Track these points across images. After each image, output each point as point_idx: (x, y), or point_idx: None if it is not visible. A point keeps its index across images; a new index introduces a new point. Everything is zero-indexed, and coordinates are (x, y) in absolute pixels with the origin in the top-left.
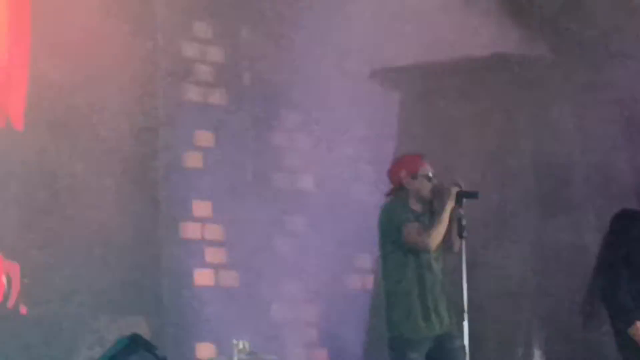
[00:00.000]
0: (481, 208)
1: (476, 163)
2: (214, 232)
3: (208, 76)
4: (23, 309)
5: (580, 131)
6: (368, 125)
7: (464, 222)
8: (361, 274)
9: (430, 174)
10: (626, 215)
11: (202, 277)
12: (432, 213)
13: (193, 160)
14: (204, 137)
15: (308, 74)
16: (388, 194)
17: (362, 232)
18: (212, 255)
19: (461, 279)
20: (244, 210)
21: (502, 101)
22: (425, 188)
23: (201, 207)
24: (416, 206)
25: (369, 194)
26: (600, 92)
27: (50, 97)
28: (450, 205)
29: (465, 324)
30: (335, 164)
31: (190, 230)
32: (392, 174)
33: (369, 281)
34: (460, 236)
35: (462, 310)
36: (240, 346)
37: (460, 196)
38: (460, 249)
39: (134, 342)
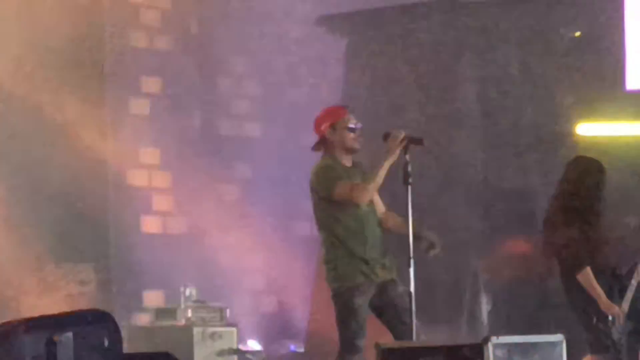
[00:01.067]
0: (427, 154)
1: (422, 108)
2: (161, 179)
3: (155, 22)
4: None
5: (527, 75)
6: (316, 71)
7: (409, 169)
8: (309, 221)
9: (353, 125)
10: (582, 163)
11: (149, 224)
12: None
13: (140, 106)
14: (151, 84)
15: (257, 19)
16: (314, 148)
17: (308, 178)
18: (159, 202)
19: (407, 225)
20: (191, 158)
21: (448, 45)
22: (348, 138)
23: (148, 155)
24: (346, 159)
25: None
26: (547, 36)
27: None
28: (393, 153)
29: (412, 270)
30: (283, 110)
31: (137, 178)
32: (315, 126)
33: (315, 227)
34: (406, 183)
35: (409, 257)
36: (188, 293)
37: (406, 142)
38: (407, 196)
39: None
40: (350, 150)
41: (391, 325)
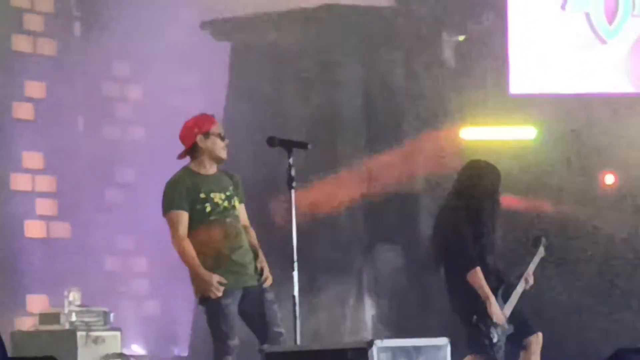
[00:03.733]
0: (312, 159)
1: (305, 112)
2: (45, 183)
3: (38, 26)
4: None
5: (411, 80)
6: (200, 76)
7: (293, 173)
8: None
9: (222, 133)
10: (476, 166)
11: (33, 228)
12: None
13: (23, 111)
14: (35, 87)
15: (140, 23)
16: (180, 156)
17: None
18: (43, 207)
19: (291, 230)
20: (76, 162)
21: (334, 52)
22: (219, 146)
23: (32, 159)
24: (210, 167)
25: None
26: (431, 40)
27: None
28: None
29: (295, 273)
30: (167, 114)
31: (21, 182)
32: (185, 133)
33: None
34: (290, 187)
35: (292, 261)
36: (71, 297)
37: (289, 146)
38: (290, 200)
39: None
40: (218, 159)
41: (260, 332)
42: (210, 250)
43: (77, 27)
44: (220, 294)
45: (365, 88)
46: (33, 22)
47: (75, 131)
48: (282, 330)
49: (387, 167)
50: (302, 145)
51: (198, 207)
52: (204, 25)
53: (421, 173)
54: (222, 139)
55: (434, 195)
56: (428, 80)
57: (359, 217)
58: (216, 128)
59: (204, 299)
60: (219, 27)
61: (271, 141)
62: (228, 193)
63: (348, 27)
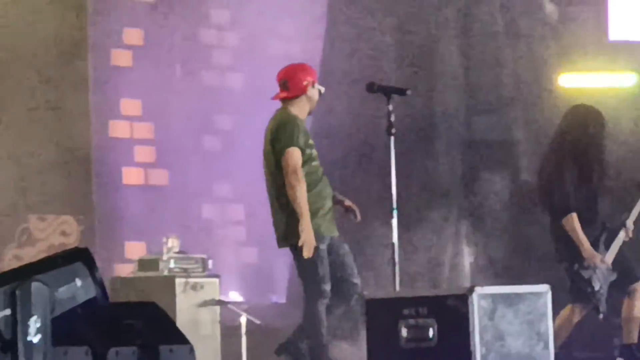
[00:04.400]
0: (410, 105)
1: (404, 62)
2: (143, 130)
3: None
4: None
5: (510, 26)
6: (297, 24)
7: (392, 119)
8: None
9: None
10: (581, 111)
11: (132, 175)
12: None
13: (122, 58)
14: (133, 35)
15: None
16: (281, 97)
17: None
18: (142, 154)
19: (390, 177)
20: (173, 109)
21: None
22: (316, 99)
23: (130, 106)
24: (304, 116)
25: None
26: None
27: None
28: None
29: (394, 220)
30: (265, 61)
31: (120, 129)
32: (297, 80)
33: None
34: (389, 134)
35: (392, 208)
36: (170, 244)
37: (389, 92)
38: (390, 145)
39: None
40: (311, 111)
41: (337, 281)
42: (312, 196)
43: None
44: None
45: (463, 37)
46: None
47: (173, 78)
48: (359, 282)
49: (487, 114)
50: (401, 92)
51: (308, 151)
52: None
53: (520, 120)
54: (320, 93)
55: (535, 141)
56: (527, 28)
57: (457, 164)
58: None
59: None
60: None
61: (370, 87)
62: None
63: None
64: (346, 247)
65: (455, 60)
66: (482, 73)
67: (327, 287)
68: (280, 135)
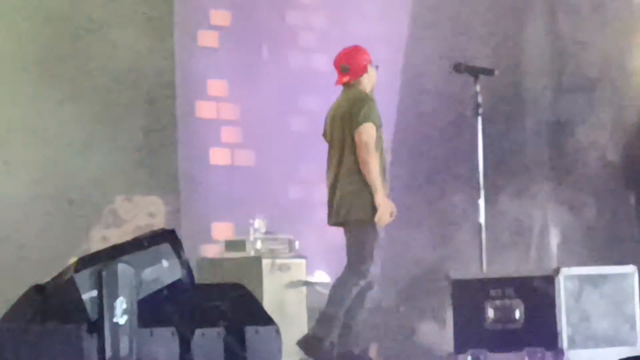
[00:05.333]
0: (497, 85)
1: (490, 43)
2: (229, 111)
3: None
4: None
5: (597, 12)
6: (382, 4)
7: (480, 100)
8: None
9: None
10: None
11: (218, 156)
12: None
13: (208, 39)
14: (220, 16)
15: None
16: (345, 81)
17: None
18: (228, 134)
19: (476, 155)
20: (259, 90)
21: None
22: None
23: (216, 86)
24: None
25: (385, 73)
26: None
27: None
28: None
29: (482, 201)
30: (350, 43)
31: (206, 110)
32: (358, 61)
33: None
34: (477, 114)
35: (479, 188)
36: (257, 225)
37: (476, 72)
38: (477, 126)
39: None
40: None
41: None
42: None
43: None
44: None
45: (550, 19)
46: None
47: (259, 59)
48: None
49: (573, 94)
50: (489, 72)
51: (379, 132)
52: None
53: (608, 100)
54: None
55: (622, 123)
56: (613, 7)
57: (543, 144)
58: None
59: (362, 221)
60: None
61: (458, 67)
62: None
63: None
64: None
65: (542, 40)
66: (569, 53)
67: (371, 268)
68: (355, 111)
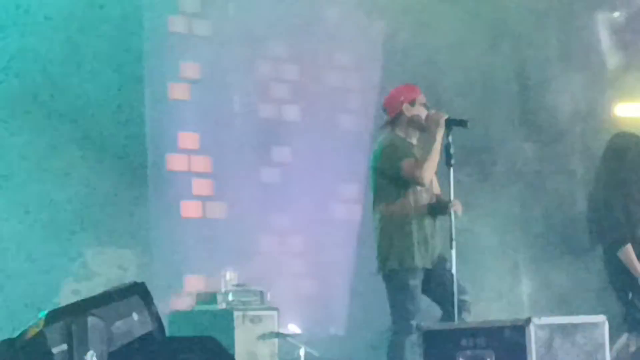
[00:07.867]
0: (467, 136)
1: (461, 90)
2: (200, 163)
3: (193, 7)
4: None
5: (566, 60)
6: (354, 55)
7: (452, 151)
8: (347, 203)
9: (427, 103)
10: (621, 138)
11: (190, 209)
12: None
13: (179, 91)
14: (190, 68)
15: (292, 3)
16: (384, 126)
17: (349, 162)
18: (199, 187)
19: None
20: (231, 142)
21: (486, 28)
22: (423, 115)
23: (187, 139)
24: (413, 137)
25: (356, 124)
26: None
27: None
28: (440, 134)
29: (453, 252)
30: (322, 93)
31: (177, 162)
32: (392, 102)
33: (356, 211)
34: (449, 165)
35: (451, 239)
36: (228, 277)
37: (449, 124)
38: (449, 177)
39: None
40: (421, 127)
41: (440, 303)
42: (415, 223)
43: (231, 7)
44: None
45: (518, 64)
46: (188, 2)
47: (231, 111)
48: (467, 298)
49: (539, 145)
50: (462, 124)
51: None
52: (359, 2)
53: (577, 150)
54: (427, 108)
55: (591, 173)
56: (582, 58)
57: (514, 194)
58: (421, 98)
59: (391, 275)
60: (373, 5)
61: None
62: None
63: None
64: (447, 264)
65: (511, 90)
66: (536, 99)
67: (414, 322)
68: (385, 158)
